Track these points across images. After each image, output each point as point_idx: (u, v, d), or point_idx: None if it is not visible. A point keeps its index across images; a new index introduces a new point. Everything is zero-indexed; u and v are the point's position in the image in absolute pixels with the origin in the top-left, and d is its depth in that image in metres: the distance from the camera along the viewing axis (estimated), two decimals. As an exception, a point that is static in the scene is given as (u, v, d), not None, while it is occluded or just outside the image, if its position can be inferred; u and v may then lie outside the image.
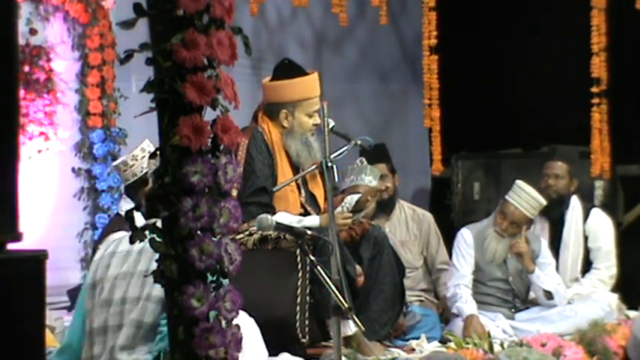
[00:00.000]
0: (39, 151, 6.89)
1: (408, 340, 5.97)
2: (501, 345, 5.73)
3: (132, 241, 2.69)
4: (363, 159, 6.27)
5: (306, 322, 5.27)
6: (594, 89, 7.41)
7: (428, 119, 7.74)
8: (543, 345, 5.64)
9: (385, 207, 6.91)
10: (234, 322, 2.64)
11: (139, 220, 2.84)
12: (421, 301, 6.75)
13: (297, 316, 5.25)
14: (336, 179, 4.87)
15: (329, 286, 4.12)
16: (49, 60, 7.00)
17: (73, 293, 6.73)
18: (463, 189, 8.63)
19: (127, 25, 2.57)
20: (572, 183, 6.92)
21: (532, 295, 6.59)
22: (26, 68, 6.84)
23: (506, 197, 6.47)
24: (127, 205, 5.74)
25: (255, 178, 5.51)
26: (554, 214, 6.90)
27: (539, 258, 6.55)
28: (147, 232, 2.64)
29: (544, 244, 6.65)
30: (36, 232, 6.47)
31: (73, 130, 7.19)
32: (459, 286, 6.40)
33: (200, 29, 2.56)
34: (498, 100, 8.60)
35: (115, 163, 6.27)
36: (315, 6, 8.31)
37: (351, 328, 5.23)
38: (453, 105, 7.97)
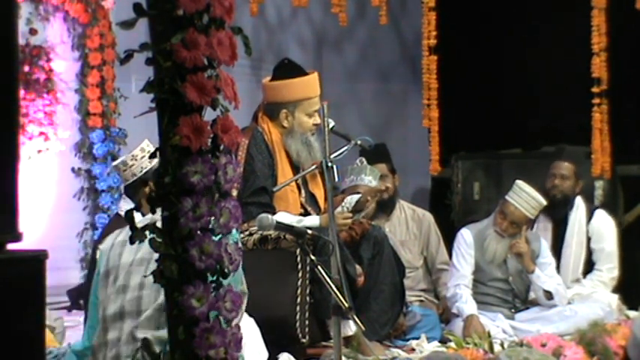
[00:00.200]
0: (39, 151, 6.90)
1: (408, 340, 5.97)
2: (501, 345, 5.73)
3: (132, 242, 2.69)
4: (363, 159, 6.27)
5: (306, 322, 5.27)
6: (595, 89, 7.42)
7: (426, 119, 7.74)
8: (543, 345, 5.64)
9: (385, 207, 6.91)
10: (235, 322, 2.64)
11: (139, 220, 2.83)
12: (421, 301, 6.75)
13: (297, 316, 5.25)
14: (336, 179, 4.88)
15: (329, 286, 4.12)
16: (49, 60, 7.01)
17: (73, 293, 6.74)
18: (463, 189, 8.63)
19: (127, 25, 2.57)
20: (578, 184, 6.92)
21: (532, 295, 6.59)
22: (26, 68, 6.85)
23: (506, 197, 6.47)
24: (126, 205, 5.74)
25: (255, 178, 5.51)
26: (558, 215, 6.90)
27: (540, 258, 6.55)
28: (147, 232, 2.64)
29: (544, 244, 6.65)
30: (36, 232, 6.47)
31: (73, 130, 7.20)
32: (459, 286, 6.40)
33: (200, 29, 2.55)
34: (498, 100, 8.60)
35: (114, 163, 6.26)
36: (315, 6, 8.32)
37: (351, 328, 5.23)
38: (453, 105, 7.98)
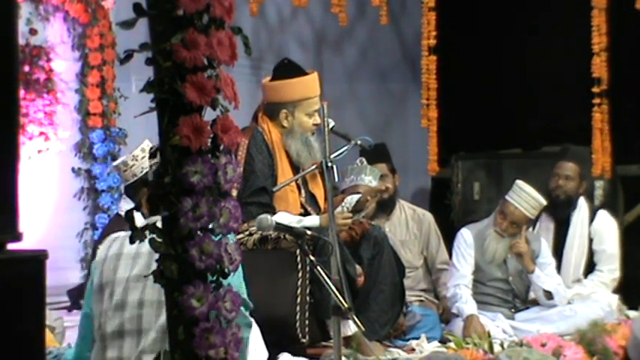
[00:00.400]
0: (39, 151, 6.90)
1: (408, 340, 5.97)
2: (501, 345, 5.73)
3: (132, 241, 2.68)
4: (363, 159, 6.27)
5: (306, 322, 5.27)
6: (595, 89, 7.42)
7: (425, 119, 7.75)
8: (543, 345, 5.64)
9: (385, 207, 6.91)
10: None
11: (139, 220, 2.83)
12: (421, 301, 6.75)
13: (297, 316, 5.25)
14: (336, 179, 4.88)
15: (329, 286, 4.12)
16: (49, 60, 7.00)
17: (73, 293, 6.73)
18: (463, 189, 8.63)
19: (127, 25, 2.57)
20: (582, 185, 6.91)
21: (532, 295, 6.59)
22: (26, 68, 6.84)
23: (506, 197, 6.47)
24: (127, 205, 5.74)
25: (255, 178, 5.51)
26: (561, 215, 6.90)
27: (540, 258, 6.55)
28: (147, 232, 2.64)
29: (544, 244, 6.65)
30: (36, 232, 6.47)
31: (73, 130, 7.20)
32: (459, 286, 6.40)
33: (200, 29, 2.55)
34: (498, 100, 8.60)
35: (115, 163, 6.26)
36: (315, 6, 8.32)
37: (351, 328, 5.23)
38: (452, 105, 7.98)
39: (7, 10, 2.44)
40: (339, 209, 5.52)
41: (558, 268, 6.71)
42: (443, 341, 6.02)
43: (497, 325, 6.25)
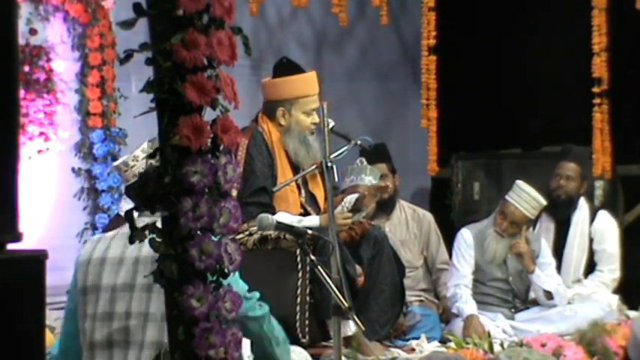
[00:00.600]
0: (39, 152, 6.89)
1: (408, 340, 5.97)
2: (501, 345, 5.73)
3: (132, 241, 2.68)
4: (363, 159, 6.27)
5: (306, 322, 5.27)
6: (595, 89, 7.42)
7: (425, 119, 7.75)
8: (543, 345, 5.65)
9: (385, 207, 6.91)
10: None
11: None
12: (421, 301, 6.75)
13: (297, 316, 5.25)
14: (336, 179, 4.88)
15: (329, 286, 4.12)
16: (49, 60, 6.99)
17: (73, 293, 6.73)
18: (463, 189, 8.63)
19: (127, 25, 2.57)
20: (583, 185, 6.91)
21: (532, 295, 6.59)
22: (26, 68, 6.83)
23: (507, 197, 6.47)
24: (127, 205, 5.73)
25: (255, 178, 5.51)
26: (561, 215, 6.90)
27: (540, 258, 6.55)
28: (147, 232, 2.64)
29: (544, 244, 6.65)
30: (36, 232, 6.47)
31: (73, 130, 7.19)
32: (459, 286, 6.40)
33: (200, 29, 2.55)
34: (498, 100, 8.60)
35: (115, 163, 6.24)
36: (315, 6, 8.31)
37: (351, 328, 5.23)
38: (452, 105, 7.98)
39: (7, 10, 2.44)
40: (338, 209, 5.53)
41: (558, 268, 6.71)
42: (443, 341, 6.02)
43: (497, 325, 6.25)
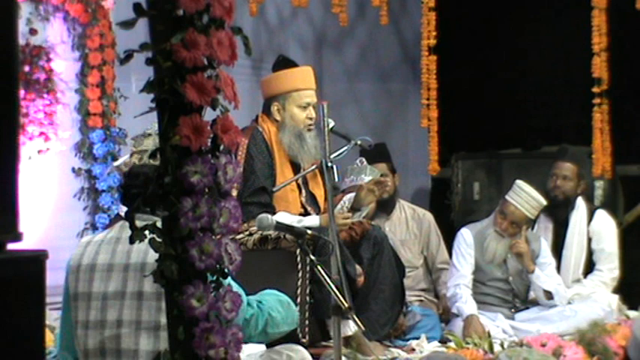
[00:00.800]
0: (39, 152, 6.89)
1: (408, 340, 5.97)
2: (501, 345, 5.73)
3: (132, 241, 2.69)
4: (363, 159, 6.27)
5: (306, 322, 5.27)
6: (595, 89, 7.42)
7: (425, 119, 7.74)
8: (543, 345, 5.64)
9: (385, 207, 6.91)
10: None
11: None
12: (421, 301, 6.75)
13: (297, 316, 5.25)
14: (336, 179, 4.88)
15: (329, 286, 4.12)
16: (49, 60, 6.99)
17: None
18: (463, 189, 8.63)
19: (127, 25, 2.57)
20: (580, 185, 6.91)
21: (532, 295, 6.59)
22: (26, 68, 6.83)
23: (507, 197, 6.47)
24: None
25: (255, 178, 5.51)
26: (560, 215, 6.90)
27: (540, 258, 6.55)
28: (146, 232, 2.64)
29: (544, 244, 6.65)
30: (36, 232, 6.47)
31: (73, 130, 7.19)
32: (459, 286, 6.40)
33: (200, 29, 2.55)
34: (498, 100, 8.60)
35: (115, 163, 6.25)
36: (315, 6, 8.31)
37: (351, 328, 5.23)
38: (452, 105, 7.97)
39: (7, 10, 2.44)
40: (338, 207, 5.53)
41: (558, 268, 6.71)
42: (443, 341, 6.02)
43: (497, 325, 6.25)
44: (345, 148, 5.38)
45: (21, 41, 6.55)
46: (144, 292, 3.47)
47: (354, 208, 5.66)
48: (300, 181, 5.67)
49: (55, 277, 3.46)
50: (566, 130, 8.16)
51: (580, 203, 6.92)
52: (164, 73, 2.54)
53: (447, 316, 6.58)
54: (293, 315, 4.02)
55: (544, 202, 6.47)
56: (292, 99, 5.67)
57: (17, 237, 2.41)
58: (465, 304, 6.30)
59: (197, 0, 2.53)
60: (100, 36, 7.18)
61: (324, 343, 5.38)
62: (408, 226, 6.97)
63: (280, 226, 4.41)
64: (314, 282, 5.20)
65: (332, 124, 4.98)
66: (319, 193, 5.75)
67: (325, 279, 4.12)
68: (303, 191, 5.71)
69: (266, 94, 5.78)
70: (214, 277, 2.59)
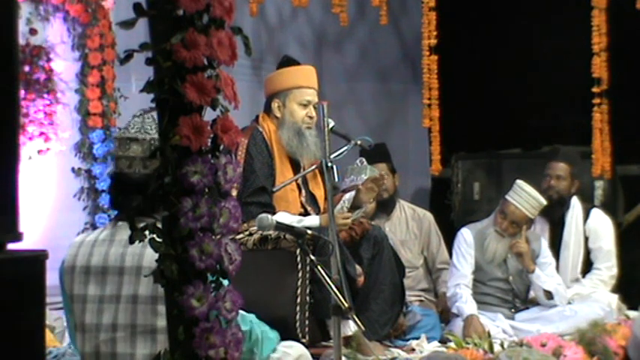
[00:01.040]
0: (39, 152, 6.89)
1: (408, 340, 5.97)
2: (501, 345, 5.73)
3: (132, 241, 2.68)
4: (363, 159, 6.26)
5: (306, 322, 5.27)
6: (595, 89, 7.42)
7: (427, 119, 7.75)
8: (543, 345, 5.64)
9: (385, 207, 6.91)
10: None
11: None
12: (421, 300, 6.75)
13: (297, 316, 5.25)
14: (336, 179, 4.88)
15: (329, 286, 4.12)
16: (49, 60, 6.99)
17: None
18: (463, 189, 8.63)
19: (127, 25, 2.57)
20: (574, 184, 6.92)
21: (532, 295, 6.59)
22: (26, 68, 6.83)
23: (507, 197, 6.47)
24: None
25: (255, 177, 5.51)
26: (555, 215, 6.91)
27: (540, 258, 6.55)
28: (146, 232, 2.64)
29: (544, 243, 6.65)
30: (36, 232, 6.47)
31: (73, 130, 7.19)
32: (459, 286, 6.40)
33: (200, 29, 2.55)
34: (498, 100, 8.60)
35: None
36: (315, 6, 8.31)
37: (351, 328, 5.23)
38: (453, 105, 7.97)
39: (7, 10, 2.44)
40: (338, 207, 5.53)
41: (556, 268, 6.71)
42: (443, 341, 6.02)
43: (497, 325, 6.25)
44: (345, 148, 5.38)
45: (21, 41, 6.55)
46: (138, 296, 3.46)
47: (354, 207, 5.66)
48: (300, 181, 5.67)
49: (55, 277, 3.47)
50: (566, 130, 8.16)
51: (575, 202, 6.92)
52: (164, 73, 2.54)
53: (447, 316, 6.58)
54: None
55: (544, 202, 6.48)
56: (293, 96, 5.68)
57: (17, 237, 2.41)
58: (465, 304, 6.30)
59: (197, 0, 2.53)
60: (100, 36, 7.18)
61: (324, 343, 5.38)
62: (408, 226, 6.98)
63: (280, 226, 4.41)
64: (314, 282, 5.20)
65: (332, 124, 4.98)
66: (319, 193, 5.76)
67: (325, 279, 4.12)
68: (303, 191, 5.71)
69: (268, 91, 5.80)
70: (214, 277, 2.58)
